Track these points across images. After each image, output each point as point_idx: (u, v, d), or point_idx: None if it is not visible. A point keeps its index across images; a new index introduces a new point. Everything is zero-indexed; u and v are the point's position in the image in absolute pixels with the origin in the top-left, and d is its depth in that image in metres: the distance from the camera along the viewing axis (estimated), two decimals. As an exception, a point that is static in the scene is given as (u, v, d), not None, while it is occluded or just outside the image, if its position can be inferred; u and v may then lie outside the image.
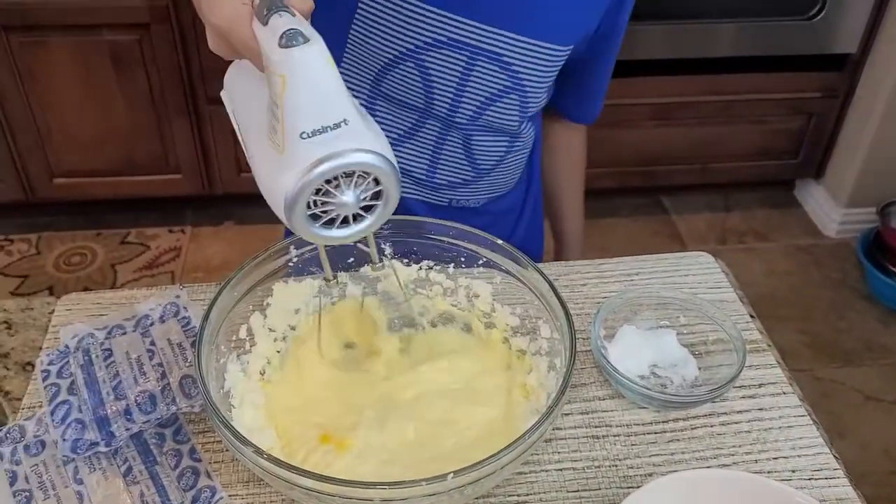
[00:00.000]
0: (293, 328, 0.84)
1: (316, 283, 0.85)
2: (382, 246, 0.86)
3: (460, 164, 1.00)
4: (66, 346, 0.83)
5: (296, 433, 0.75)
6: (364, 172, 0.58)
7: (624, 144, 2.34)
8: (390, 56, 0.89)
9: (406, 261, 0.87)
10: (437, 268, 0.87)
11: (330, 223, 0.61)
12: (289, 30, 0.55)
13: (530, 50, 0.90)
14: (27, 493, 0.71)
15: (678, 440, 0.78)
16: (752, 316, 0.92)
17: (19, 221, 2.39)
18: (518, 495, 0.73)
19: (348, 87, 0.91)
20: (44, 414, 0.77)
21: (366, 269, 0.87)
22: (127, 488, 0.71)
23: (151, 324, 0.86)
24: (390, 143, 0.96)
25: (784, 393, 0.83)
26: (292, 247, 0.81)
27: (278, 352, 0.83)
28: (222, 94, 0.71)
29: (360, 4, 0.86)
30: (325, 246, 0.72)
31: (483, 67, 0.90)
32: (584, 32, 0.94)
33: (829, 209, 2.48)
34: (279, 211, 0.59)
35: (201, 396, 0.69)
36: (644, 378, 0.83)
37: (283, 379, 0.81)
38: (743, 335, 0.84)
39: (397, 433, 0.75)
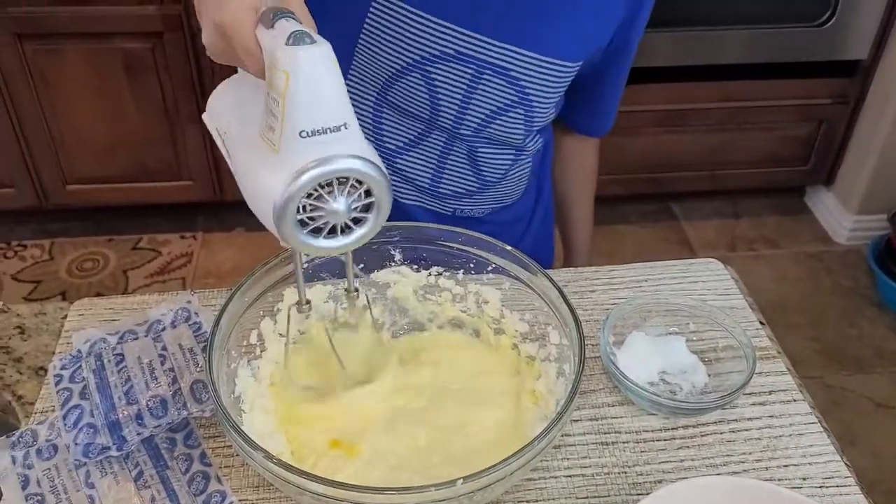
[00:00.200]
0: (302, 333, 0.85)
1: (326, 288, 0.86)
2: (392, 252, 0.86)
3: (465, 175, 1.00)
4: (79, 351, 0.84)
5: (306, 438, 0.76)
6: (358, 181, 0.58)
7: (633, 151, 2.34)
8: (397, 67, 0.89)
9: (415, 267, 0.87)
10: (447, 274, 0.87)
11: (317, 232, 0.60)
12: (297, 31, 0.55)
13: (538, 65, 0.90)
14: (39, 497, 0.71)
15: (688, 447, 0.78)
16: (761, 323, 0.92)
17: (33, 227, 2.41)
18: (527, 501, 0.73)
19: (355, 95, 0.93)
20: (56, 418, 0.77)
21: (375, 275, 0.87)
22: (138, 492, 0.72)
23: (163, 329, 0.87)
24: (396, 150, 0.98)
25: (794, 400, 0.82)
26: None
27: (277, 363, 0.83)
28: (204, 116, 0.70)
29: (369, 15, 0.86)
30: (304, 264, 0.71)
31: (489, 81, 0.90)
32: (594, 48, 0.94)
33: (839, 216, 2.47)
34: (268, 214, 0.58)
35: (212, 401, 0.69)
36: (653, 385, 0.83)
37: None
38: (753, 342, 0.84)
39: (407, 438, 0.75)
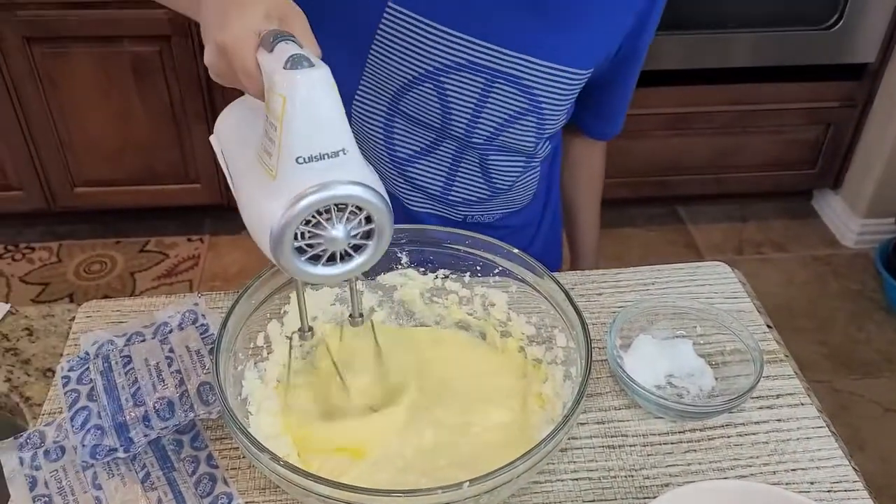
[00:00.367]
0: (307, 351, 0.84)
1: (334, 290, 0.86)
2: (399, 255, 0.86)
3: (476, 182, 1.00)
4: (86, 353, 0.84)
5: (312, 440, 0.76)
6: (357, 207, 0.56)
7: (640, 154, 2.33)
8: (409, 77, 0.89)
9: (422, 269, 0.87)
10: (453, 277, 0.87)
11: (315, 259, 0.58)
12: (295, 54, 0.54)
13: (549, 73, 0.90)
14: (47, 498, 0.72)
15: (695, 451, 0.78)
16: (769, 326, 0.91)
17: (41, 230, 2.42)
18: (533, 504, 0.73)
19: (366, 105, 0.93)
20: (63, 420, 0.78)
21: (382, 278, 0.87)
22: (145, 494, 0.72)
23: (170, 331, 0.87)
24: (407, 159, 0.98)
25: (802, 404, 0.82)
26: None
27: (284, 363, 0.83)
28: (211, 138, 0.69)
29: (380, 25, 0.86)
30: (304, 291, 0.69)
31: (501, 90, 0.90)
32: (604, 55, 0.94)
33: (846, 219, 2.46)
34: (264, 241, 0.56)
35: (219, 403, 0.69)
36: (660, 388, 0.83)
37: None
38: (760, 345, 0.83)
39: (414, 438, 0.75)
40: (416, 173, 0.98)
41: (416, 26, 0.85)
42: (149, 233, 2.43)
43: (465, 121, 0.92)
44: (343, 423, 0.76)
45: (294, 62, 0.54)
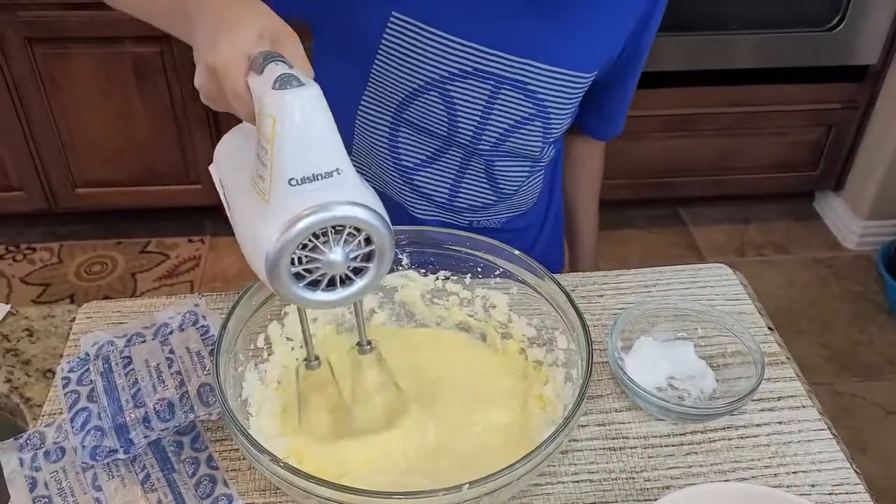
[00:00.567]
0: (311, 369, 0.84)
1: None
2: (400, 256, 0.86)
3: (482, 188, 1.00)
4: (87, 354, 0.84)
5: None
6: (356, 229, 0.55)
7: (642, 156, 2.33)
8: (415, 86, 0.88)
9: (423, 271, 0.87)
10: (454, 278, 0.87)
11: (314, 284, 0.56)
12: (284, 74, 0.53)
13: (555, 78, 0.90)
14: (47, 499, 0.72)
15: (696, 453, 0.77)
16: (770, 328, 0.91)
17: (42, 230, 2.43)
18: (534, 507, 0.73)
19: (371, 115, 0.93)
20: (64, 421, 0.77)
21: (383, 279, 0.86)
22: (145, 495, 0.72)
23: (170, 332, 0.87)
24: (412, 167, 0.98)
25: (803, 406, 0.82)
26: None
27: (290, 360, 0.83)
28: (210, 167, 0.68)
29: (385, 35, 0.86)
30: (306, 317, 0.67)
31: (507, 96, 0.90)
32: (608, 57, 0.94)
33: (848, 221, 2.46)
34: (260, 266, 0.55)
35: (219, 404, 0.69)
36: (661, 390, 0.83)
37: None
38: (761, 347, 0.83)
39: (418, 439, 0.75)
40: (422, 181, 0.98)
41: (421, 35, 0.85)
42: (150, 234, 2.43)
43: (472, 128, 0.92)
44: (351, 447, 0.74)
45: (283, 82, 0.53)
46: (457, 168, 0.97)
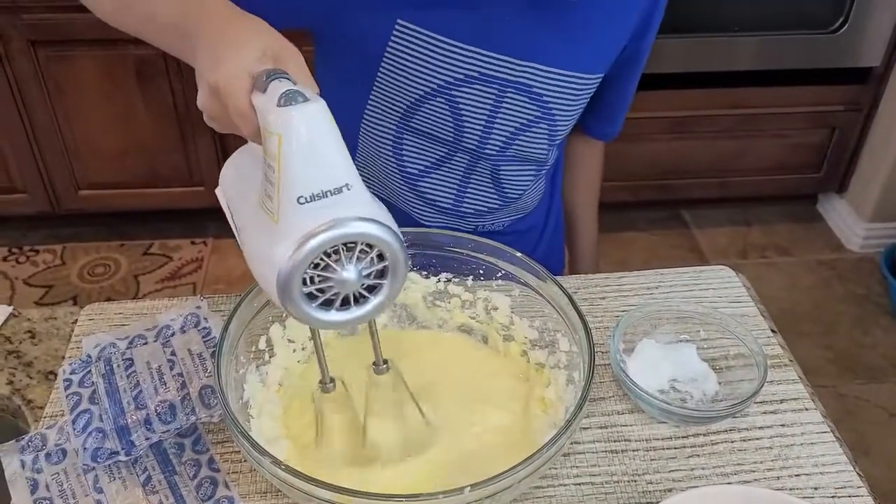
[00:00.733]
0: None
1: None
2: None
3: (488, 193, 1.00)
4: (89, 356, 0.84)
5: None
6: (367, 245, 0.54)
7: (644, 158, 2.33)
8: (421, 92, 0.88)
9: (424, 273, 0.87)
10: (456, 280, 0.87)
11: (328, 304, 0.55)
12: (289, 90, 0.52)
13: (561, 80, 0.90)
14: (48, 501, 0.71)
15: (698, 455, 0.77)
16: (773, 331, 0.91)
17: (45, 232, 2.43)
18: (536, 509, 0.72)
19: (376, 123, 0.92)
20: (65, 423, 0.77)
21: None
22: (146, 497, 0.72)
23: (172, 334, 0.87)
24: (418, 174, 0.97)
25: (806, 409, 0.82)
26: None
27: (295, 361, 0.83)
28: (217, 191, 0.67)
29: (390, 42, 0.85)
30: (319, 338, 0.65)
31: (513, 99, 0.90)
32: (612, 58, 0.94)
33: (852, 223, 2.45)
34: (272, 287, 0.53)
35: (220, 407, 0.69)
36: (663, 392, 0.82)
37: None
38: (764, 350, 0.83)
39: (417, 436, 0.75)
40: (427, 187, 0.97)
41: (426, 42, 0.85)
42: (152, 236, 2.43)
43: (478, 132, 0.92)
44: (371, 474, 0.72)
45: (288, 98, 0.52)
46: (462, 173, 0.97)
